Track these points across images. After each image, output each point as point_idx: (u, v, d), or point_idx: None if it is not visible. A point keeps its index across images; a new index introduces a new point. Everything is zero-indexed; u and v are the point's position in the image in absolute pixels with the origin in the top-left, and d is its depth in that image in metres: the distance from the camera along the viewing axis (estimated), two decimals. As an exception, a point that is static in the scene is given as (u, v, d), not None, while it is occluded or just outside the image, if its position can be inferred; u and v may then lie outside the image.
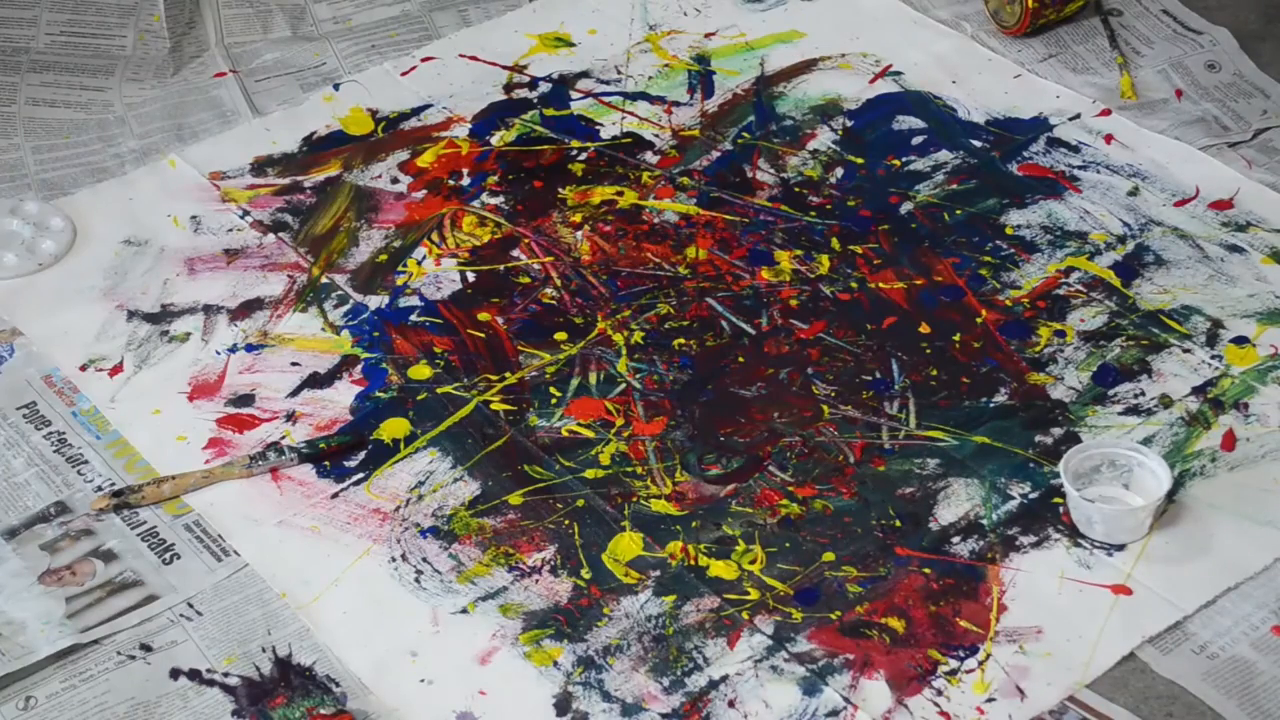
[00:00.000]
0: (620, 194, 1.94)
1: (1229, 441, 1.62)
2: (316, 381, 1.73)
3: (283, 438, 1.67)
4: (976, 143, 1.98)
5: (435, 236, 1.89)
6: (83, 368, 1.75)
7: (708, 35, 2.17)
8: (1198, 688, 1.43)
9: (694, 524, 1.58)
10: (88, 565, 1.56)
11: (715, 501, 1.60)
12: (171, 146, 2.03)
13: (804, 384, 1.70)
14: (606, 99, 2.07)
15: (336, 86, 2.11)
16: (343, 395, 1.71)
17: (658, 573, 1.53)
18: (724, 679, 1.45)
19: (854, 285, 1.81)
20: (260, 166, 2.00)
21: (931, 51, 2.12)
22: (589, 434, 1.66)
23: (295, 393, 1.72)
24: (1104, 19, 2.12)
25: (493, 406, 1.69)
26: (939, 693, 1.43)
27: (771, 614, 1.49)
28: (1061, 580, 1.51)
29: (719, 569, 1.53)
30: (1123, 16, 2.17)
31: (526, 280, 1.83)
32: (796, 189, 1.93)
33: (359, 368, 1.74)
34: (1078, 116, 2.00)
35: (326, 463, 1.64)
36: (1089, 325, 1.75)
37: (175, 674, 1.47)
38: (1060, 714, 1.41)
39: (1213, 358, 1.71)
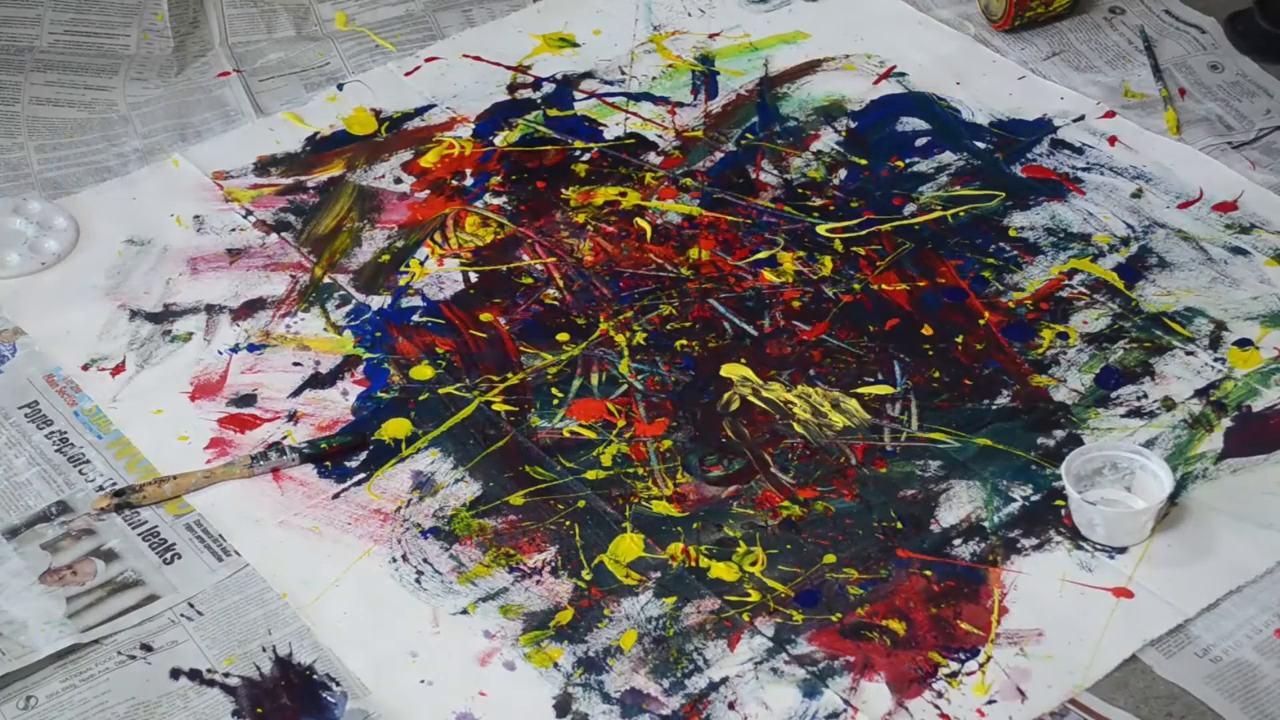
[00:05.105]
0: (623, 195, 1.94)
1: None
2: (318, 381, 1.73)
3: (284, 438, 1.67)
4: (980, 144, 1.98)
5: (438, 237, 1.89)
6: (85, 367, 1.75)
7: (712, 36, 2.17)
8: (1201, 691, 1.42)
9: (695, 525, 1.57)
10: (89, 565, 1.56)
11: (716, 503, 1.59)
12: (175, 146, 2.03)
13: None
14: (610, 100, 2.07)
15: (340, 86, 2.11)
16: (344, 395, 1.71)
17: (658, 574, 1.53)
18: (724, 681, 1.45)
19: (856, 287, 1.80)
20: (263, 166, 2.00)
21: (936, 53, 2.12)
22: (591, 435, 1.66)
23: (297, 393, 1.72)
24: (1148, 48, 2.11)
25: (494, 407, 1.69)
26: (939, 695, 1.43)
27: (772, 616, 1.49)
28: (1063, 583, 1.51)
29: (720, 570, 1.53)
30: (1125, 15, 2.17)
31: (529, 281, 1.83)
32: (800, 190, 1.93)
33: (361, 368, 1.74)
34: (1082, 118, 2.00)
35: (328, 463, 1.64)
36: (1092, 327, 1.75)
37: (176, 674, 1.47)
38: (1061, 716, 1.41)
39: (1215, 360, 1.70)
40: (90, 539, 1.58)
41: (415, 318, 1.79)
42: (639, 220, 1.90)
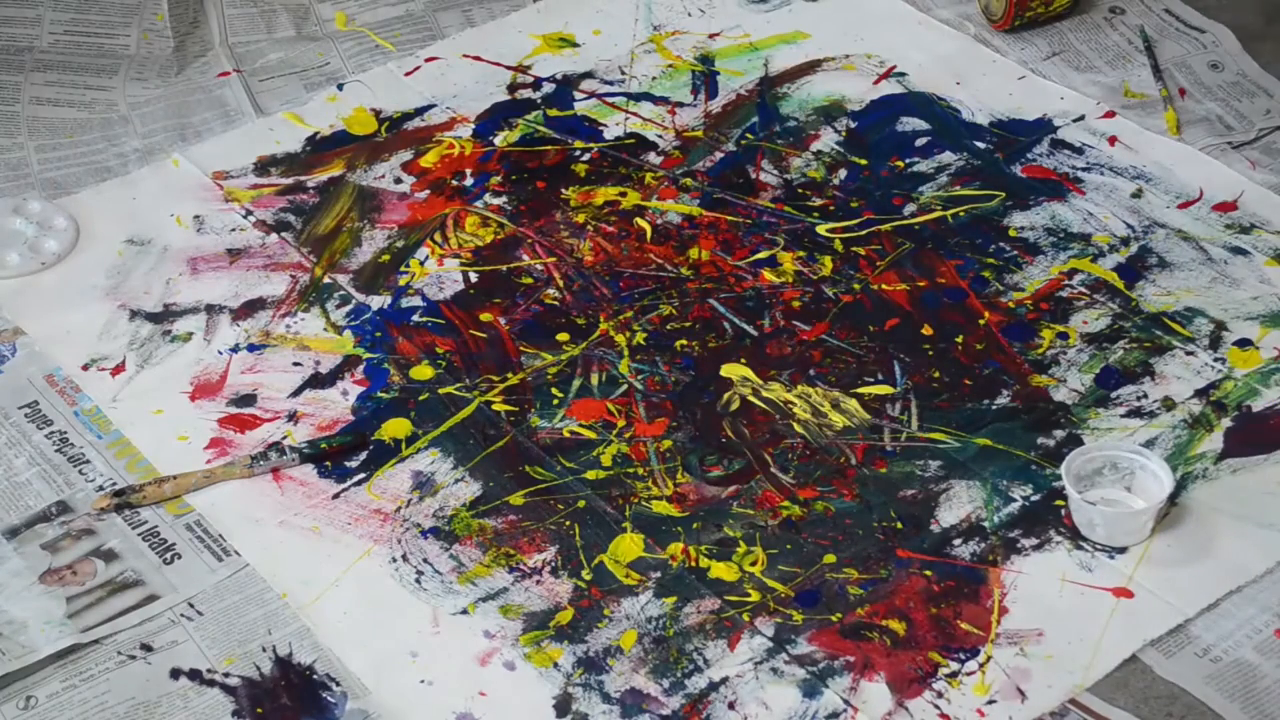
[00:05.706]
0: (623, 195, 1.94)
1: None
2: (318, 381, 1.73)
3: (284, 438, 1.67)
4: (980, 144, 1.98)
5: (438, 237, 1.89)
6: (85, 367, 1.75)
7: (712, 36, 2.17)
8: (1201, 691, 1.42)
9: (695, 525, 1.57)
10: (88, 565, 1.56)
11: (716, 503, 1.59)
12: (175, 146, 2.04)
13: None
14: (610, 100, 2.07)
15: (340, 86, 2.11)
16: (344, 395, 1.71)
17: (658, 574, 1.53)
18: (724, 681, 1.45)
19: (856, 287, 1.80)
20: (263, 166, 2.00)
21: (936, 53, 2.12)
22: (590, 435, 1.66)
23: (297, 393, 1.72)
24: (1148, 48, 2.11)
25: (494, 407, 1.69)
26: (939, 695, 1.43)
27: (772, 616, 1.49)
28: (1063, 583, 1.51)
29: (720, 570, 1.53)
30: (1125, 15, 2.17)
31: (529, 281, 1.83)
32: (800, 190, 1.93)
33: (361, 368, 1.74)
34: (1082, 118, 2.00)
35: (328, 463, 1.64)
36: (1092, 327, 1.75)
37: (176, 674, 1.47)
38: (1061, 716, 1.41)
39: (1215, 360, 1.70)
40: (90, 539, 1.58)
41: (415, 318, 1.79)
42: (639, 220, 1.90)
